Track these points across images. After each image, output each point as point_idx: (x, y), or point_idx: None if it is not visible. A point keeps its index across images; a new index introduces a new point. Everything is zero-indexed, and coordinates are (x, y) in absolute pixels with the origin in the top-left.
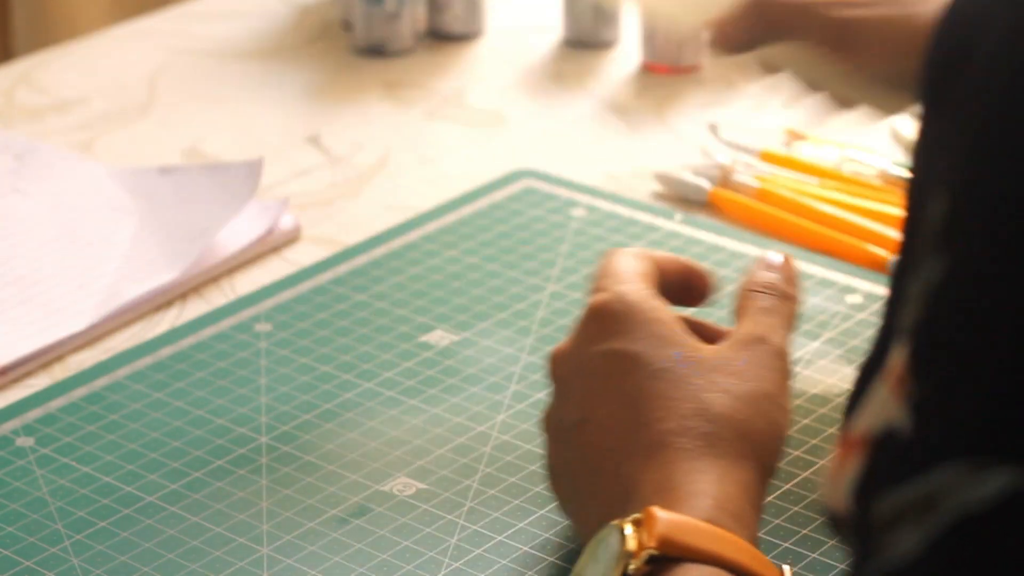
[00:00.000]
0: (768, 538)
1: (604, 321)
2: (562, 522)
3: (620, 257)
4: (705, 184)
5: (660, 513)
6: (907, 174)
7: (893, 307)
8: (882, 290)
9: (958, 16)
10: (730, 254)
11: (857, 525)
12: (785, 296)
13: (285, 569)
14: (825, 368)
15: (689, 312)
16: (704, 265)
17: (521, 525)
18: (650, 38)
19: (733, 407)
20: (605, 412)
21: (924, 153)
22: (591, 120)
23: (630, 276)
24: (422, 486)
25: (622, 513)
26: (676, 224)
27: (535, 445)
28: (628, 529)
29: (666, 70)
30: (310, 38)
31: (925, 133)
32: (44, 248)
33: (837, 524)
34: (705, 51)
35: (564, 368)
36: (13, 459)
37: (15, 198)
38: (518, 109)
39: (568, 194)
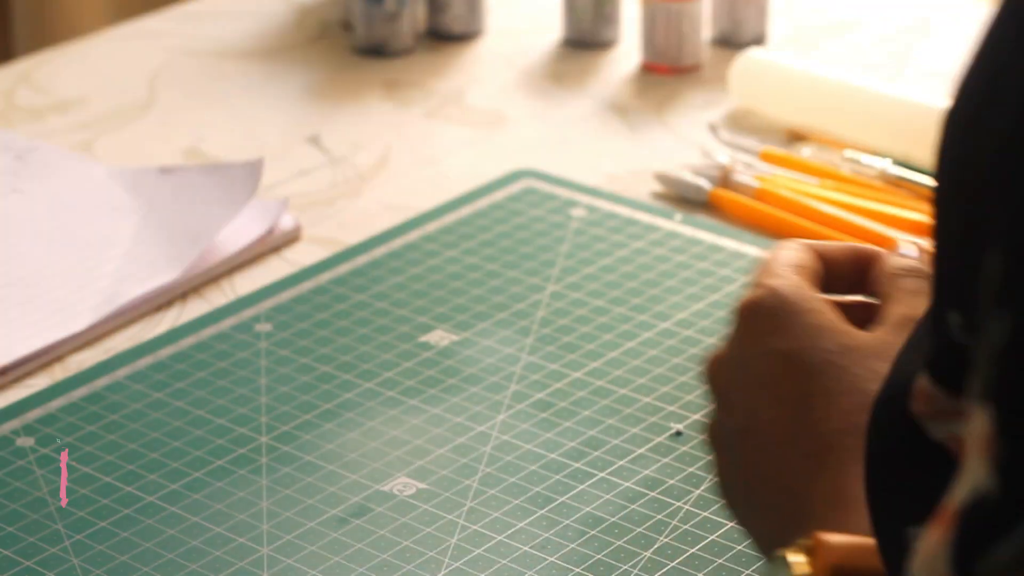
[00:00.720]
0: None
1: (757, 319)
2: (562, 522)
3: (778, 251)
4: (705, 184)
5: (830, 538)
6: (936, 220)
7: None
8: None
9: (982, 68)
10: (730, 254)
11: None
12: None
13: (285, 569)
14: None
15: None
16: (878, 249)
17: (521, 525)
18: (650, 38)
19: None
20: (767, 418)
21: (965, 200)
22: (591, 120)
23: (782, 269)
24: (422, 486)
25: (796, 528)
26: (676, 224)
27: (535, 445)
28: (797, 557)
29: (666, 70)
30: (310, 38)
31: (962, 179)
32: (44, 248)
33: None
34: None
35: (721, 375)
36: (13, 459)
37: (15, 198)
38: (518, 109)
39: (568, 194)
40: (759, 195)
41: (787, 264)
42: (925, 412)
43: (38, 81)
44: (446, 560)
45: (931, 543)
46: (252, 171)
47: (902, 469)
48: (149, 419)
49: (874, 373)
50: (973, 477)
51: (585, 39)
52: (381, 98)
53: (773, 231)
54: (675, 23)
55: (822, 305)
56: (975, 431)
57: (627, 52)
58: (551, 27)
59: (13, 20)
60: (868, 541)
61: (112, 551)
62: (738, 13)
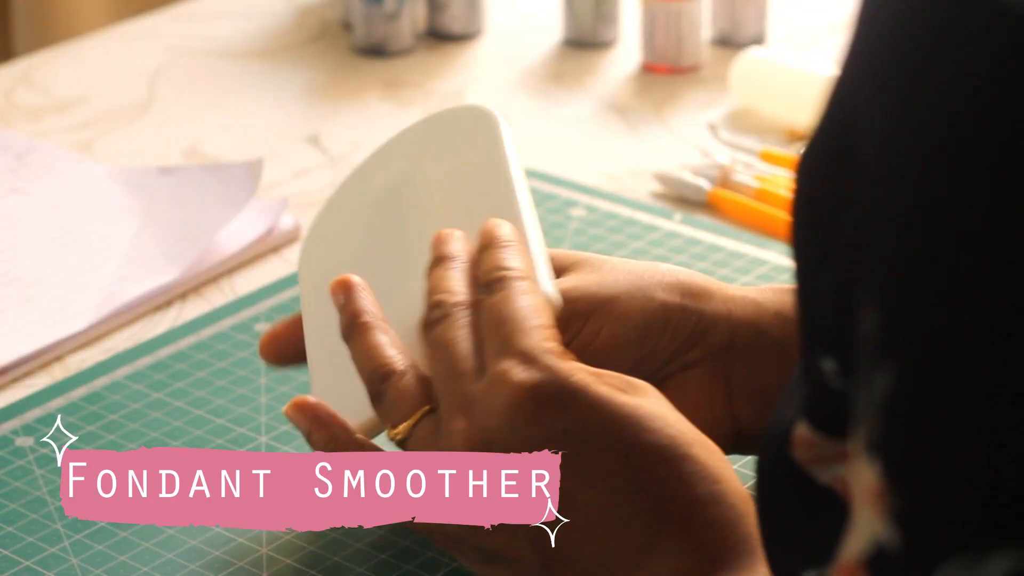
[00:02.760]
0: None
1: (544, 408)
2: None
3: (517, 303)
4: (705, 184)
5: None
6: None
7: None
8: None
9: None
10: (729, 254)
11: None
12: None
13: (285, 569)
14: None
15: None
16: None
17: None
18: (650, 38)
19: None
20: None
21: (832, 254)
22: (591, 120)
23: (540, 339)
24: None
25: None
26: (675, 224)
27: None
28: None
29: (666, 70)
30: (310, 38)
31: (827, 238)
32: (44, 248)
33: None
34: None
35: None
36: (13, 459)
37: (14, 198)
38: (518, 109)
39: (568, 194)
40: (759, 195)
41: (538, 326)
42: (807, 458)
43: (38, 81)
44: (446, 560)
45: None
46: (251, 171)
47: (792, 515)
48: (149, 419)
49: (671, 439)
50: (869, 529)
51: (585, 39)
52: (380, 98)
53: (773, 231)
54: (675, 23)
55: (596, 382)
56: (863, 482)
57: (627, 52)
58: (551, 27)
59: (13, 20)
60: None
61: (112, 551)
62: (738, 13)
